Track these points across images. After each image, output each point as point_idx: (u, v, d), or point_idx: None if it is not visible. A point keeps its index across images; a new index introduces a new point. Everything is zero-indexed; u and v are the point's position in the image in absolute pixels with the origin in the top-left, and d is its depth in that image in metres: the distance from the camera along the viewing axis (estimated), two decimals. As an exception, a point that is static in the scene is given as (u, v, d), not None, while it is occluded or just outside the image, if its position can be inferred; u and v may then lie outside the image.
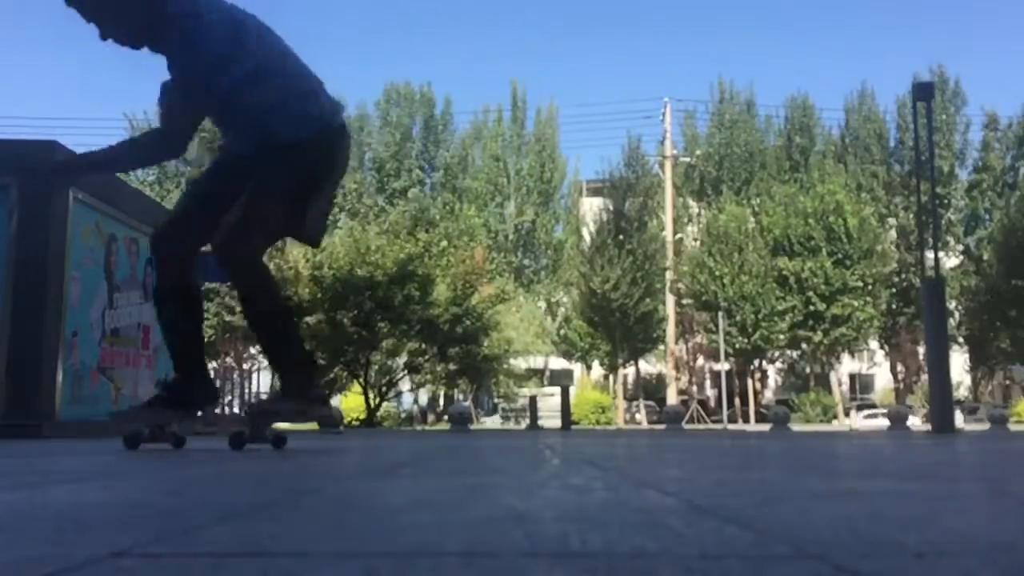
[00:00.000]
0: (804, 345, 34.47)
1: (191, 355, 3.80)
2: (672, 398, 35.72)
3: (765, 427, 21.37)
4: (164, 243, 3.77)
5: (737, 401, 36.25)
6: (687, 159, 41.07)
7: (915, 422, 19.63)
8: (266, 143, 3.71)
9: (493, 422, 34.42)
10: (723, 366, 32.66)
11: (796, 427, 19.11)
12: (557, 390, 21.50)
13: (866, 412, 31.88)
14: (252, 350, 28.26)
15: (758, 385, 38.16)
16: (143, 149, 3.95)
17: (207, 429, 11.59)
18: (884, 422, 18.69)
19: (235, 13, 3.61)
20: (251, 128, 3.75)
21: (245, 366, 23.80)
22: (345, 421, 17.95)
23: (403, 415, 33.19)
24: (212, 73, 3.45)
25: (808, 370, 38.71)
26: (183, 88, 3.53)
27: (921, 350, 30.02)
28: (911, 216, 34.91)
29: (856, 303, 32.93)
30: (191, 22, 3.43)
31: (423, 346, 22.07)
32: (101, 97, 71.57)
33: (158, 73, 3.53)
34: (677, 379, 37.07)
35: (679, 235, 39.75)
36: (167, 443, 3.91)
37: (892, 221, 37.55)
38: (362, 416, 23.60)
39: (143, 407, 4.13)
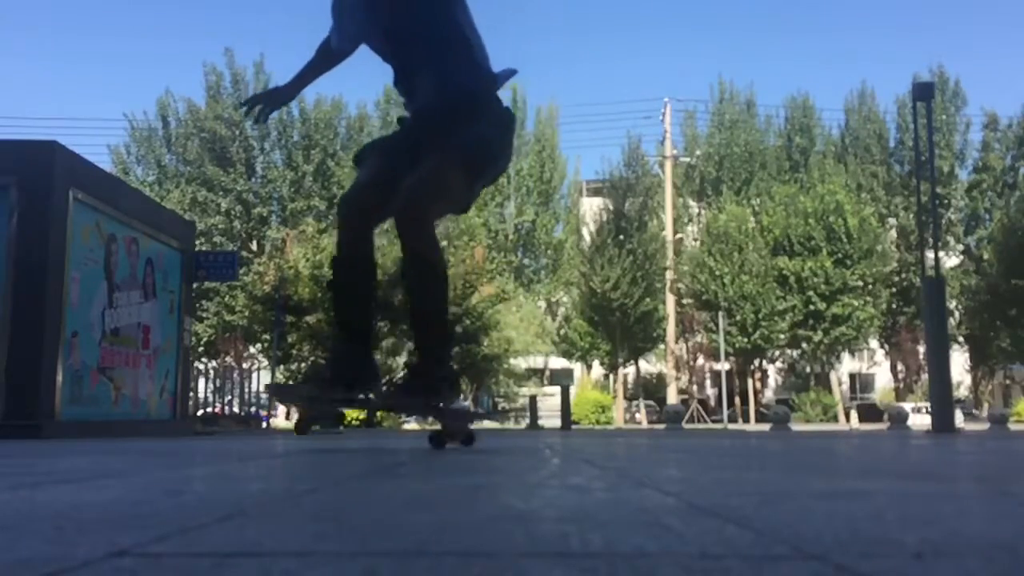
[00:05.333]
0: (804, 344, 34.47)
1: (358, 328, 3.63)
2: (672, 398, 35.71)
3: (765, 427, 21.37)
4: (348, 208, 3.66)
5: (737, 401, 36.25)
6: (687, 159, 41.05)
7: (922, 421, 19.57)
8: (464, 95, 3.66)
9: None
10: (723, 366, 32.66)
11: (796, 427, 19.11)
12: (557, 390, 21.51)
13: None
14: (252, 349, 28.28)
15: (758, 385, 38.16)
16: (322, 54, 4.02)
17: (207, 429, 11.61)
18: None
19: None
20: (450, 76, 3.69)
21: (245, 365, 23.79)
22: (345, 421, 17.93)
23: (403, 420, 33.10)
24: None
25: (808, 369, 38.71)
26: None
27: (921, 349, 30.01)
28: (911, 216, 34.91)
29: (856, 302, 32.94)
30: None
31: (423, 346, 22.07)
32: (101, 97, 71.58)
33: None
34: (677, 379, 37.06)
35: (679, 235, 39.75)
36: (335, 428, 3.81)
37: (892, 221, 37.55)
38: (362, 416, 23.62)
39: (304, 384, 3.98)
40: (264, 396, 21.60)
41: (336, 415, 3.68)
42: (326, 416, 3.78)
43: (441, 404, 3.66)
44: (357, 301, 3.65)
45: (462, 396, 32.32)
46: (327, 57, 4.11)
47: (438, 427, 3.64)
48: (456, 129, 3.57)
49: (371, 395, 3.71)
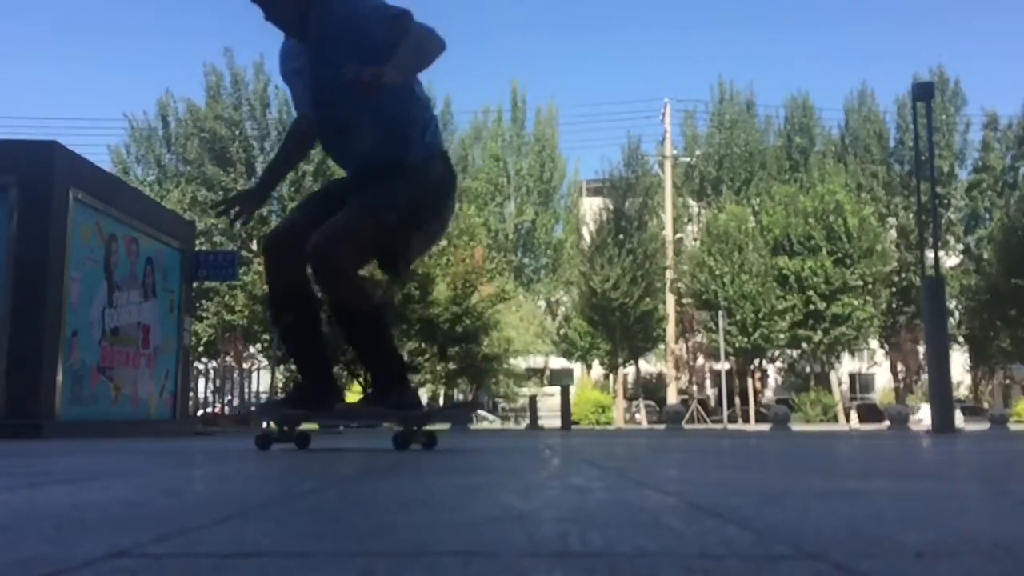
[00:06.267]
0: (804, 344, 34.44)
1: (312, 360, 3.81)
2: (672, 398, 35.70)
3: (765, 427, 21.36)
4: (278, 252, 3.68)
5: (737, 400, 36.23)
6: (687, 159, 41.05)
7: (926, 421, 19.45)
8: (397, 160, 3.57)
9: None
10: (723, 365, 32.63)
11: (796, 427, 19.10)
12: (557, 390, 21.52)
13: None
14: (252, 349, 28.27)
15: (758, 384, 38.15)
16: (296, 136, 3.99)
17: (207, 429, 11.64)
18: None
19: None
20: (388, 137, 3.59)
21: (245, 365, 23.79)
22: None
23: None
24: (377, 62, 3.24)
25: (808, 369, 38.69)
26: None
27: (921, 349, 29.98)
28: (911, 216, 34.89)
29: (856, 302, 32.92)
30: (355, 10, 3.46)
31: (423, 345, 22.08)
32: (101, 97, 71.62)
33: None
34: (677, 378, 37.06)
35: (679, 235, 39.74)
36: (293, 443, 3.87)
37: (892, 221, 37.53)
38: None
39: (275, 402, 4.13)
40: (264, 396, 21.61)
41: (297, 436, 3.80)
42: (288, 437, 3.89)
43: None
44: (302, 338, 3.80)
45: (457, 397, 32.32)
46: (300, 134, 3.99)
47: (399, 429, 3.71)
48: (387, 183, 3.54)
49: (331, 414, 3.93)
